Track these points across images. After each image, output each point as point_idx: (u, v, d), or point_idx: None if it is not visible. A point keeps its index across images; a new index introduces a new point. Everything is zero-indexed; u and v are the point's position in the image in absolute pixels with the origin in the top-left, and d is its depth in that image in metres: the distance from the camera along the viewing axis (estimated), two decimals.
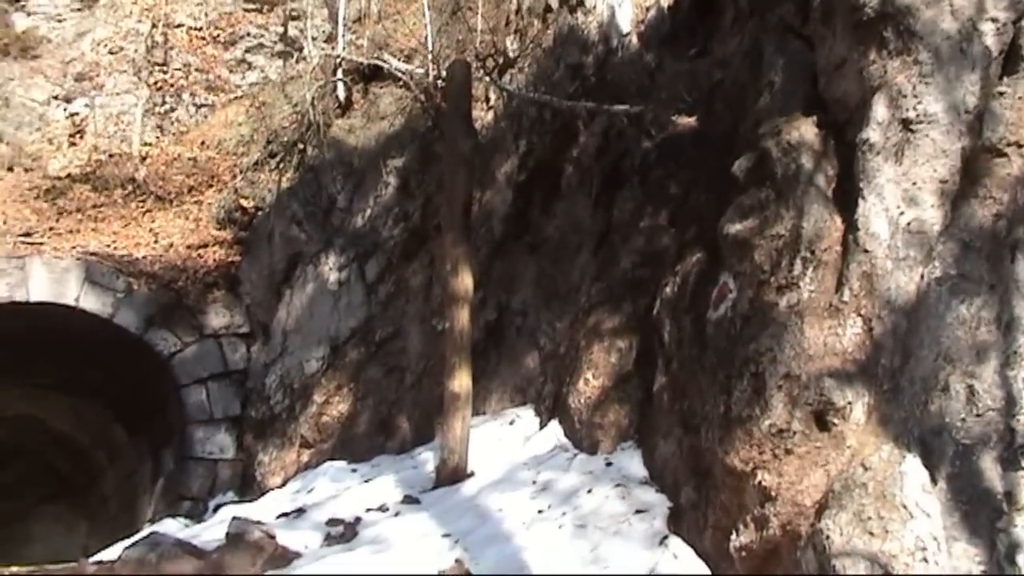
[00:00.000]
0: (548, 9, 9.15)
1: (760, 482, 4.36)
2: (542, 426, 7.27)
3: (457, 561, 5.47)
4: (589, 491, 5.67)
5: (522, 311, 8.43)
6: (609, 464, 6.03)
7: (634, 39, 8.32)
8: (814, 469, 4.20)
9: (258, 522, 7.04)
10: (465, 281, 7.50)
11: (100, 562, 7.76)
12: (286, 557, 6.42)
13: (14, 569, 7.64)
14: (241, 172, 14.36)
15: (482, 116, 9.45)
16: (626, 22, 8.43)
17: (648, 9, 8.36)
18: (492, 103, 9.55)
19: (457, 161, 7.89)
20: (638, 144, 7.55)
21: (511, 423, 7.58)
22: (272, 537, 6.61)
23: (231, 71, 18.35)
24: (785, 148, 4.93)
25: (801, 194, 4.75)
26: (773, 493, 4.29)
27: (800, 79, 5.31)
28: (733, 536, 4.61)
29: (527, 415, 7.65)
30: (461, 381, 7.31)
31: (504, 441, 7.41)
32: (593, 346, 6.79)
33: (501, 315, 8.63)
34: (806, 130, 4.94)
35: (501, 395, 8.22)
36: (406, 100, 11.03)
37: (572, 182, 8.41)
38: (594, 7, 8.55)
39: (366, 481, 7.99)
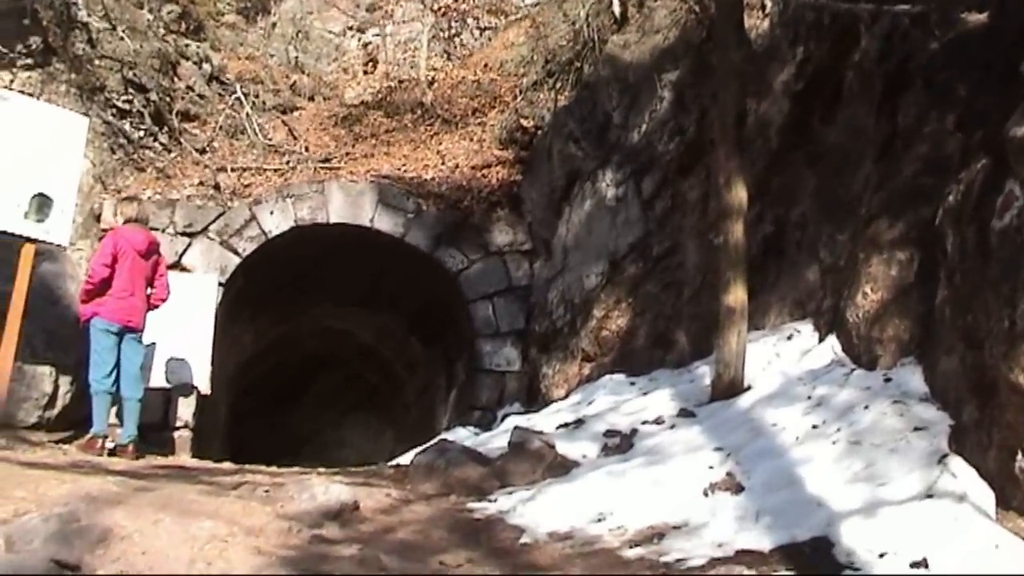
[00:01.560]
0: None
1: None
2: (820, 341, 7.13)
3: (728, 475, 5.51)
4: (866, 407, 5.53)
5: (801, 224, 8.23)
6: (888, 380, 5.85)
7: None
8: None
9: (539, 432, 7.34)
10: (739, 195, 7.42)
11: (397, 466, 8.33)
12: (565, 466, 6.68)
13: (320, 469, 8.30)
14: (521, 92, 14.67)
15: (757, 24, 9.18)
16: None
17: None
18: (768, 10, 9.25)
19: (729, 72, 7.76)
20: (923, 45, 7.13)
21: (789, 338, 7.48)
22: (552, 446, 6.88)
23: None
24: None
25: None
26: None
27: None
28: (1019, 456, 4.42)
29: (806, 330, 7.50)
30: (736, 295, 7.28)
31: (781, 356, 7.32)
32: (872, 258, 6.57)
33: (780, 228, 8.45)
34: None
35: (780, 309, 8.09)
36: (680, 12, 10.86)
37: (853, 89, 8.05)
38: None
39: (644, 394, 8.13)
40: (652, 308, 9.93)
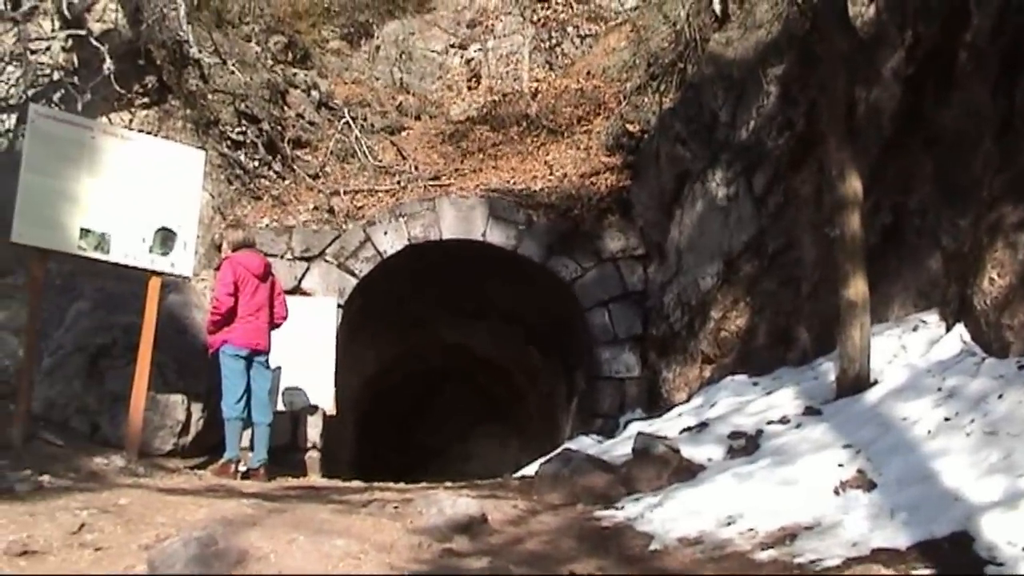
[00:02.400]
0: None
1: None
2: (947, 330, 6.94)
3: (859, 472, 5.41)
4: (1000, 396, 5.37)
5: (920, 210, 8.02)
6: (1022, 367, 5.67)
7: None
8: None
9: (663, 437, 7.30)
10: (853, 186, 7.28)
11: (522, 477, 8.37)
12: (691, 470, 6.63)
13: (447, 483, 8.39)
14: (625, 98, 14.64)
15: (862, 12, 9.00)
16: None
17: None
18: None
19: (836, 62, 7.62)
20: None
21: (914, 329, 7.30)
22: (676, 451, 6.84)
23: None
24: None
25: None
26: None
27: None
28: None
29: (932, 320, 7.32)
30: (857, 288, 7.14)
31: (907, 348, 7.16)
32: (997, 242, 6.38)
33: (898, 216, 8.25)
34: None
35: (903, 300, 7.90)
36: (782, 5, 10.71)
37: (967, 69, 7.82)
38: None
39: (767, 393, 8.02)
40: (771, 306, 9.80)
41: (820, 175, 9.28)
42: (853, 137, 7.54)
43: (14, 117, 11.80)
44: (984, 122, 7.36)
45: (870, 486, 5.23)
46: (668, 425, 8.27)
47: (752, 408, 7.66)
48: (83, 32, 11.94)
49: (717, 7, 12.39)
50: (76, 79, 11.82)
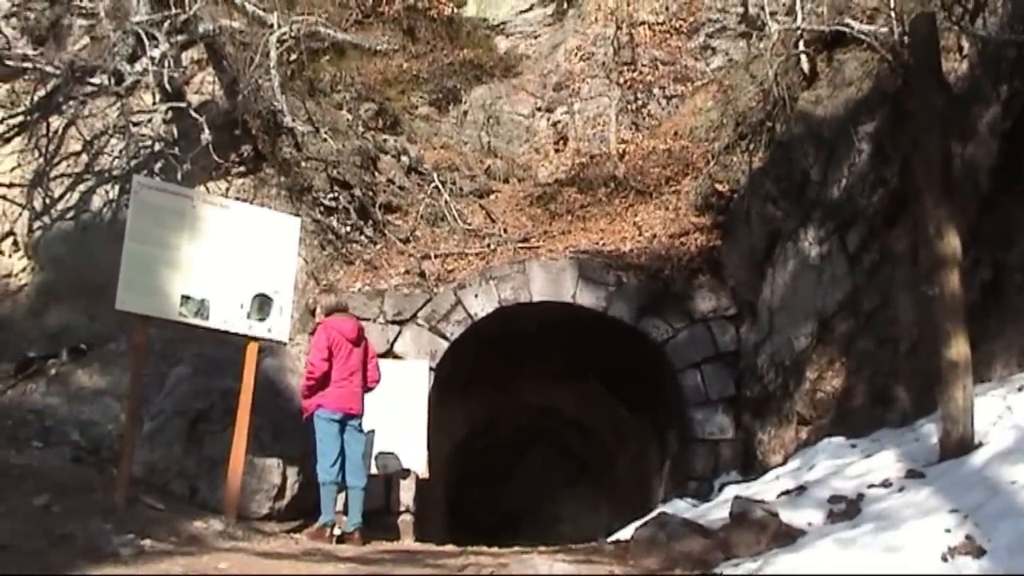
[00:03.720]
0: None
1: None
2: None
3: (967, 538, 5.24)
4: None
5: (1021, 266, 7.86)
6: None
7: None
8: None
9: (760, 501, 7.17)
10: (951, 243, 7.13)
11: (616, 541, 8.29)
12: (790, 534, 6.49)
13: (541, 548, 8.34)
14: (713, 157, 14.60)
15: (955, 67, 8.90)
16: None
17: None
18: (965, 51, 8.96)
19: (930, 118, 7.52)
20: None
21: (1019, 389, 7.11)
22: (775, 515, 6.70)
23: (696, 59, 18.66)
24: None
25: None
26: None
27: None
28: None
29: None
30: (958, 348, 6.96)
31: (1013, 409, 6.96)
32: None
33: (998, 273, 8.08)
34: None
35: (1006, 359, 7.71)
36: (872, 63, 10.65)
37: None
38: None
39: (866, 456, 7.84)
40: (868, 366, 9.62)
41: (915, 232, 9.14)
42: (949, 193, 7.41)
43: (117, 188, 12.23)
44: None
45: (979, 552, 5.07)
46: (765, 488, 8.12)
47: (852, 471, 7.48)
48: (183, 104, 12.36)
49: (805, 66, 12.35)
50: (176, 150, 12.23)
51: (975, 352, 7.10)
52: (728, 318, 12.86)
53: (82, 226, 12.60)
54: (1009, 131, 8.19)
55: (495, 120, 18.99)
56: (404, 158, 16.28)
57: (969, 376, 6.91)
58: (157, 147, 12.65)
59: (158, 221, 8.90)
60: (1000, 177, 8.27)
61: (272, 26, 14.20)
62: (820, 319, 10.60)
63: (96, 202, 12.66)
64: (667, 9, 18.75)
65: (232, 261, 9.26)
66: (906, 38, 8.95)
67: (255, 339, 9.40)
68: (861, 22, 11.20)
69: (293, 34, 14.81)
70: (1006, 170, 8.20)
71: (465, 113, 19.00)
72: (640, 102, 18.44)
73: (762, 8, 15.68)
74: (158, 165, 12.52)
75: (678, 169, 15.77)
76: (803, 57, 12.44)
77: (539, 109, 19.43)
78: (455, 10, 19.58)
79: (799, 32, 12.55)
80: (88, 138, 12.81)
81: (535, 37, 20.38)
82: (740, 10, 18.31)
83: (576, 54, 19.01)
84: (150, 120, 12.69)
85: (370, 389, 10.07)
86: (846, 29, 11.31)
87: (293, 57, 15.39)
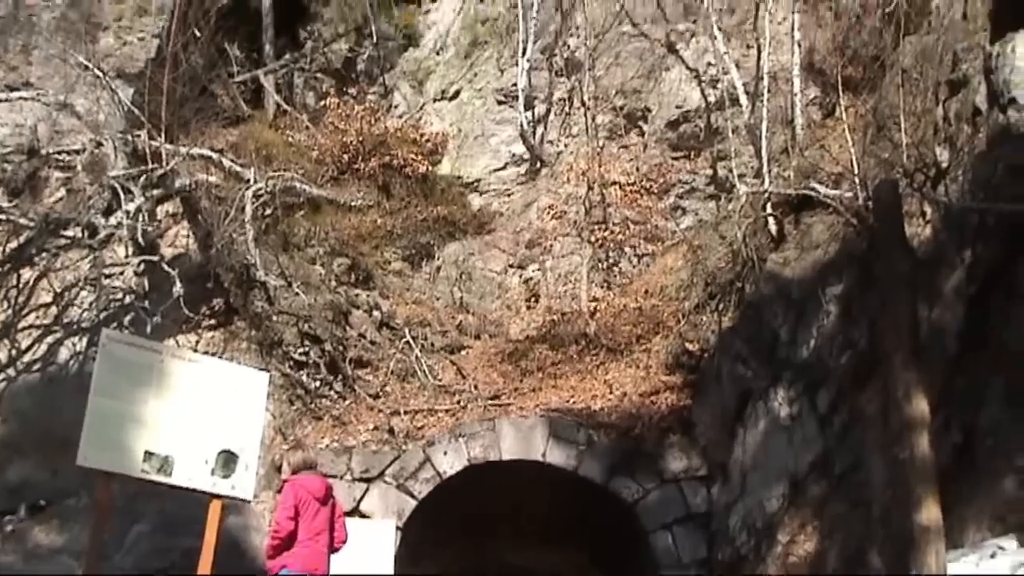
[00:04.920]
0: (977, 113, 8.71)
1: None
2: None
3: None
4: None
5: (992, 430, 7.85)
6: None
7: None
8: None
9: None
10: (920, 406, 7.14)
11: None
12: None
13: None
14: (684, 316, 14.71)
15: (919, 232, 9.09)
16: None
17: None
18: (929, 217, 9.17)
19: (897, 282, 7.63)
20: None
21: (992, 555, 7.00)
22: None
23: (666, 219, 18.94)
24: None
25: None
26: None
27: None
28: None
29: (1010, 546, 7.02)
30: (930, 513, 6.89)
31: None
32: None
33: (968, 436, 8.07)
34: None
35: (978, 524, 7.62)
36: (838, 226, 10.87)
37: None
38: None
39: None
40: (840, 529, 9.50)
41: (885, 393, 9.14)
42: (917, 356, 7.45)
43: (85, 340, 12.15)
44: None
45: None
46: None
47: None
48: (155, 258, 12.40)
49: (773, 228, 12.59)
50: (147, 303, 12.23)
51: (947, 516, 7.03)
52: (699, 478, 12.72)
53: (48, 378, 12.45)
54: (975, 295, 8.30)
55: (468, 276, 19.11)
56: (376, 313, 16.30)
57: (942, 542, 6.83)
58: (128, 300, 12.64)
59: (125, 375, 8.81)
60: (967, 340, 8.34)
61: (249, 181, 14.39)
62: (792, 480, 10.51)
63: (63, 354, 12.54)
64: (638, 170, 19.11)
65: (198, 417, 9.14)
66: (871, 203, 9.15)
67: (218, 497, 9.20)
68: (827, 186, 11.47)
69: (269, 189, 15.01)
70: (973, 333, 8.28)
71: (438, 269, 19.12)
72: (611, 260, 18.64)
73: (731, 171, 16.07)
74: (128, 318, 12.49)
75: (649, 327, 15.84)
76: (771, 219, 12.69)
77: (511, 266, 19.58)
78: (430, 168, 19.88)
79: (767, 195, 12.84)
80: (58, 290, 12.78)
81: (508, 195, 20.68)
82: (709, 172, 18.71)
83: (548, 212, 19.26)
84: (122, 273, 12.71)
85: (336, 550, 9.79)
86: (812, 193, 11.57)
87: (268, 211, 15.53)
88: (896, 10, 13.03)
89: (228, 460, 9.24)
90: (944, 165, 9.16)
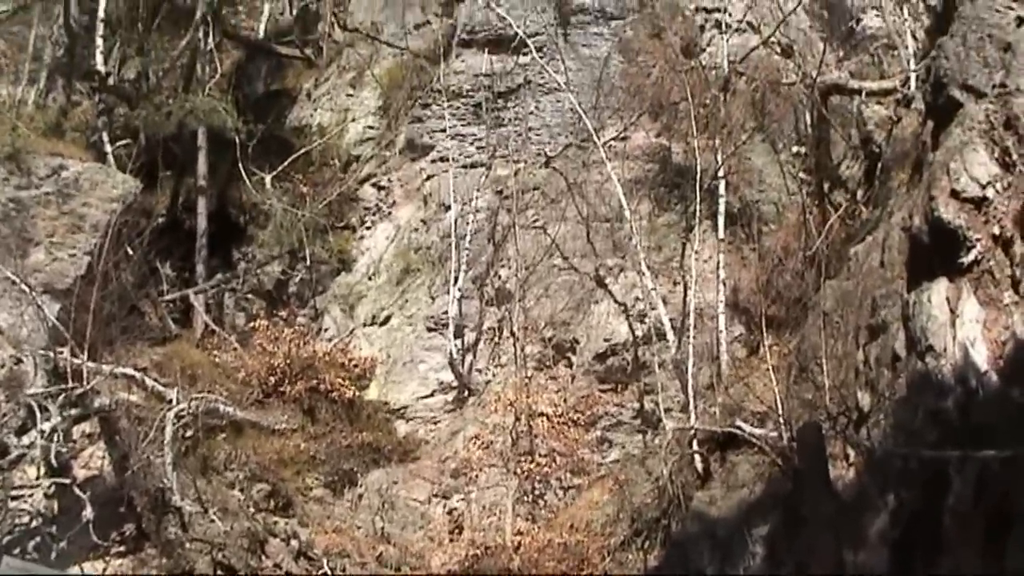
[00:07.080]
0: (896, 358, 8.95)
1: None
2: None
3: None
4: None
5: None
6: None
7: (994, 377, 7.93)
8: None
9: None
10: None
11: None
12: None
13: None
14: (609, 553, 14.45)
15: (843, 474, 9.15)
16: (983, 360, 8.06)
17: (1004, 343, 8.00)
18: (852, 459, 9.25)
19: (822, 525, 7.62)
20: (1021, 485, 7.01)
21: None
22: None
23: (592, 451, 18.81)
24: None
25: None
26: None
27: None
28: None
29: None
30: None
31: None
32: None
33: None
34: None
35: None
36: (763, 465, 10.92)
37: (952, 534, 7.83)
38: (944, 350, 8.28)
39: None
40: None
41: None
42: None
43: None
44: None
45: None
46: None
47: None
48: (67, 481, 12.00)
49: (699, 465, 12.58)
50: (54, 527, 11.75)
51: None
52: None
53: None
54: (898, 540, 8.29)
55: (390, 505, 18.67)
56: (294, 542, 15.77)
57: None
58: (34, 524, 12.11)
59: None
60: None
61: (171, 401, 14.13)
62: None
63: None
64: (565, 401, 19.09)
65: None
66: (795, 444, 9.22)
67: None
68: (752, 425, 11.56)
69: (191, 410, 14.72)
70: None
71: (360, 496, 18.68)
72: (537, 492, 18.36)
73: (657, 404, 16.16)
74: (32, 542, 11.93)
75: (574, 564, 15.48)
76: (697, 456, 12.70)
77: (435, 495, 19.20)
78: (357, 393, 19.71)
79: (693, 432, 12.88)
80: None
81: (435, 423, 20.47)
82: (636, 405, 18.75)
83: (475, 442, 19.06)
84: (31, 495, 12.23)
85: None
86: (738, 432, 11.64)
87: (189, 433, 15.18)
88: (817, 254, 13.56)
89: None
90: (866, 409, 9.33)
